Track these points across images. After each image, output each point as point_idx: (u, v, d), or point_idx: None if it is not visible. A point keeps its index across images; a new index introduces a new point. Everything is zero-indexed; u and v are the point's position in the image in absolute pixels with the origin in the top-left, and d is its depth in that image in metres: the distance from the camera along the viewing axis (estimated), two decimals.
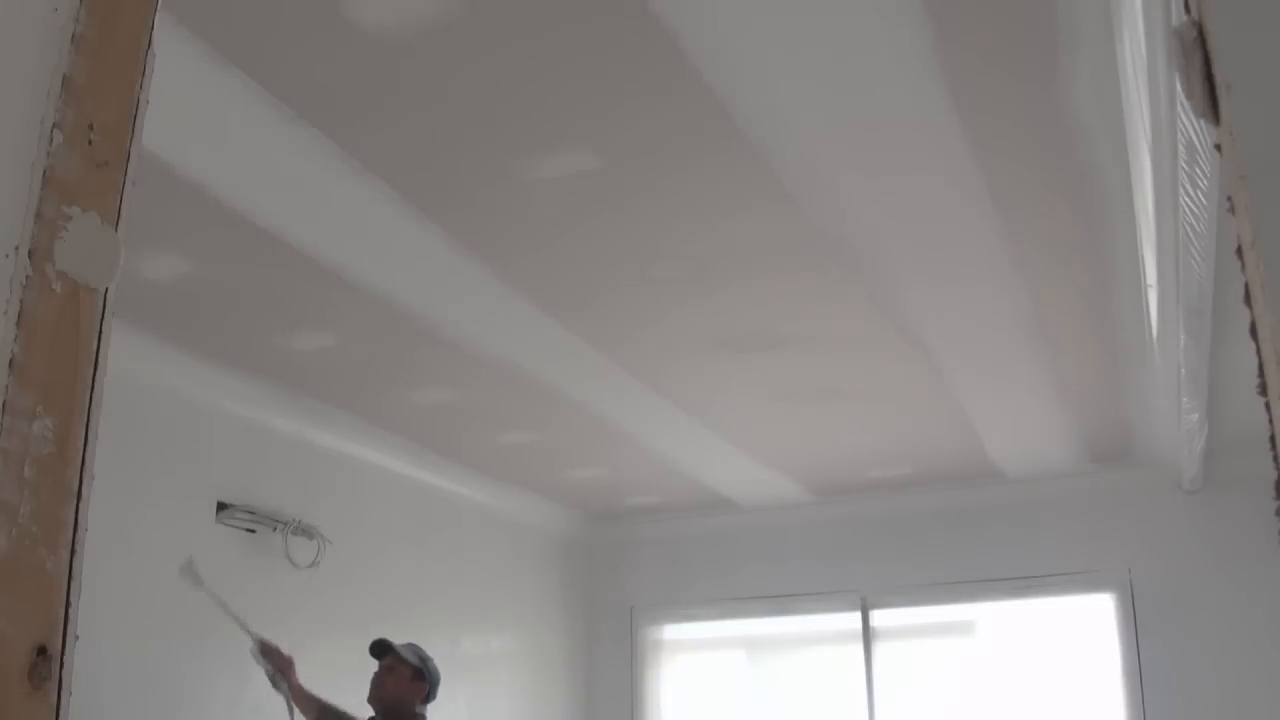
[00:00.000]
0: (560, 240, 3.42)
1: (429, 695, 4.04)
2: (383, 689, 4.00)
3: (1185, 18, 0.96)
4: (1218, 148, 0.92)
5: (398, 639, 4.10)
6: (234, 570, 4.53)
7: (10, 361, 0.80)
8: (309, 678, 4.88)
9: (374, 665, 4.16)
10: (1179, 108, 2.13)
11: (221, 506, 4.51)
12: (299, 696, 4.01)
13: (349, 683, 5.10)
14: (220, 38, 2.45)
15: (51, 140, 0.86)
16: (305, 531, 4.83)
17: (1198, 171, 2.29)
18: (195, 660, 4.28)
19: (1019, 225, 3.37)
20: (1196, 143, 2.15)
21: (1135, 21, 2.22)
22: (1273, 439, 0.89)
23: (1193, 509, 5.91)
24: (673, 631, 7.09)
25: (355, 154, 2.92)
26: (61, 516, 0.83)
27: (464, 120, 2.78)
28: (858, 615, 6.54)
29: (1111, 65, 2.58)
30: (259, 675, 4.66)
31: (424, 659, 4.05)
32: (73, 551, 0.83)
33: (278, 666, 3.97)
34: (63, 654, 0.81)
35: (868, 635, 6.51)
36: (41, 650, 0.79)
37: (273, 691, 4.08)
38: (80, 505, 0.84)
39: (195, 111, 2.66)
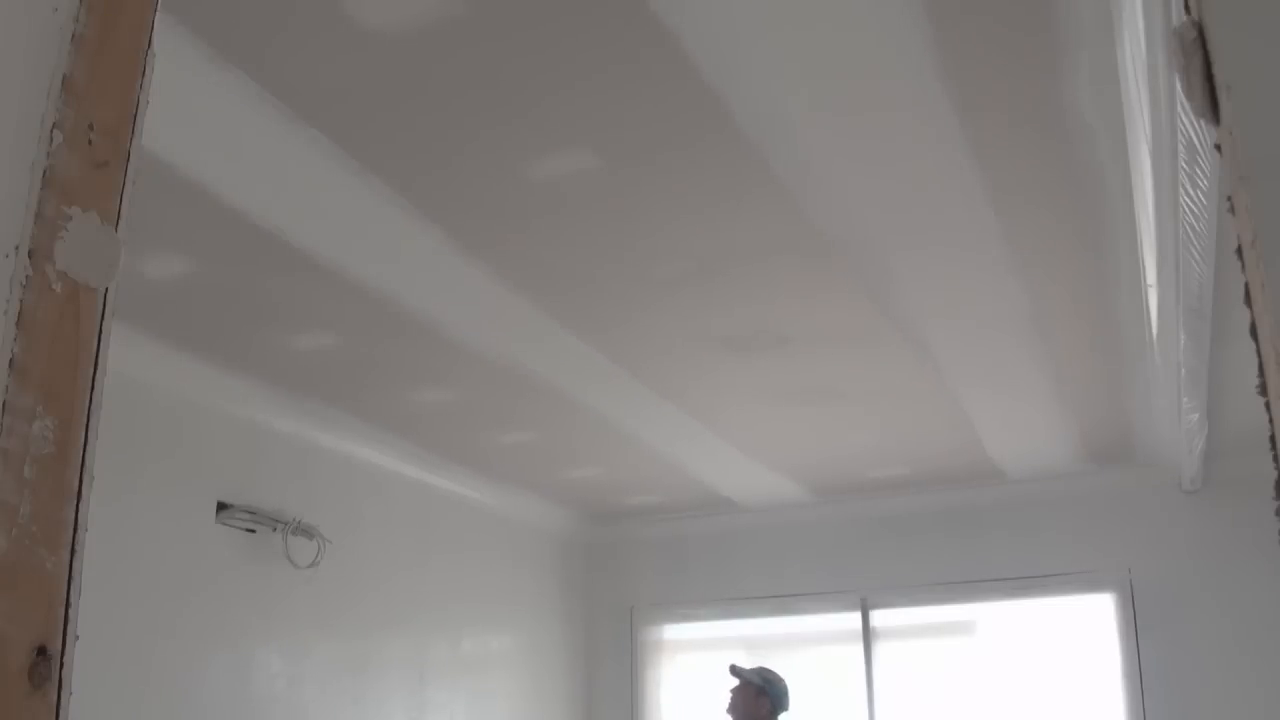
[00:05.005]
0: (560, 240, 3.42)
1: (775, 707, 4.77)
2: (733, 706, 4.80)
3: (1185, 18, 0.96)
4: (1218, 148, 0.92)
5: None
6: (234, 570, 4.53)
7: (10, 361, 0.80)
8: (310, 678, 4.89)
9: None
10: (1179, 108, 2.13)
11: (221, 506, 4.51)
12: None
13: (350, 683, 5.11)
14: (220, 38, 2.45)
15: (51, 140, 0.86)
16: (305, 531, 4.83)
17: (1198, 171, 2.29)
18: (195, 660, 4.28)
19: (1019, 225, 3.37)
20: (1196, 143, 2.15)
21: (1135, 21, 2.22)
22: (1273, 439, 0.89)
23: (1193, 509, 5.91)
24: (673, 631, 7.09)
25: (356, 154, 2.92)
26: (61, 516, 0.83)
27: (464, 120, 2.78)
28: (858, 615, 6.54)
29: (1111, 65, 2.58)
30: (258, 674, 4.68)
31: (766, 679, 4.81)
32: (73, 551, 0.83)
33: None
34: (63, 654, 0.81)
35: (868, 635, 6.51)
36: (41, 650, 0.79)
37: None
38: (80, 505, 0.84)
39: (195, 111, 2.66)
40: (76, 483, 0.84)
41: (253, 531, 4.64)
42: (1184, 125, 2.16)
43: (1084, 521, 6.12)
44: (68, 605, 0.82)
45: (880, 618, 6.54)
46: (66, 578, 0.82)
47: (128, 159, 0.92)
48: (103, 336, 0.89)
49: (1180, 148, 2.26)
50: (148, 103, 0.96)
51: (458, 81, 2.62)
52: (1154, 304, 3.61)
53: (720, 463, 5.88)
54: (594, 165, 2.99)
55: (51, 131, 0.86)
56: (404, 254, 3.48)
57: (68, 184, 0.86)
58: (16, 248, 0.82)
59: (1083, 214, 3.30)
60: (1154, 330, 3.89)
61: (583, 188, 3.11)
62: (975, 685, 6.23)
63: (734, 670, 4.91)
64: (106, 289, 0.89)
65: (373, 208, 3.17)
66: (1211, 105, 0.91)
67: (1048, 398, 4.92)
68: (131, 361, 3.96)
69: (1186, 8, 0.98)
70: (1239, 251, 0.90)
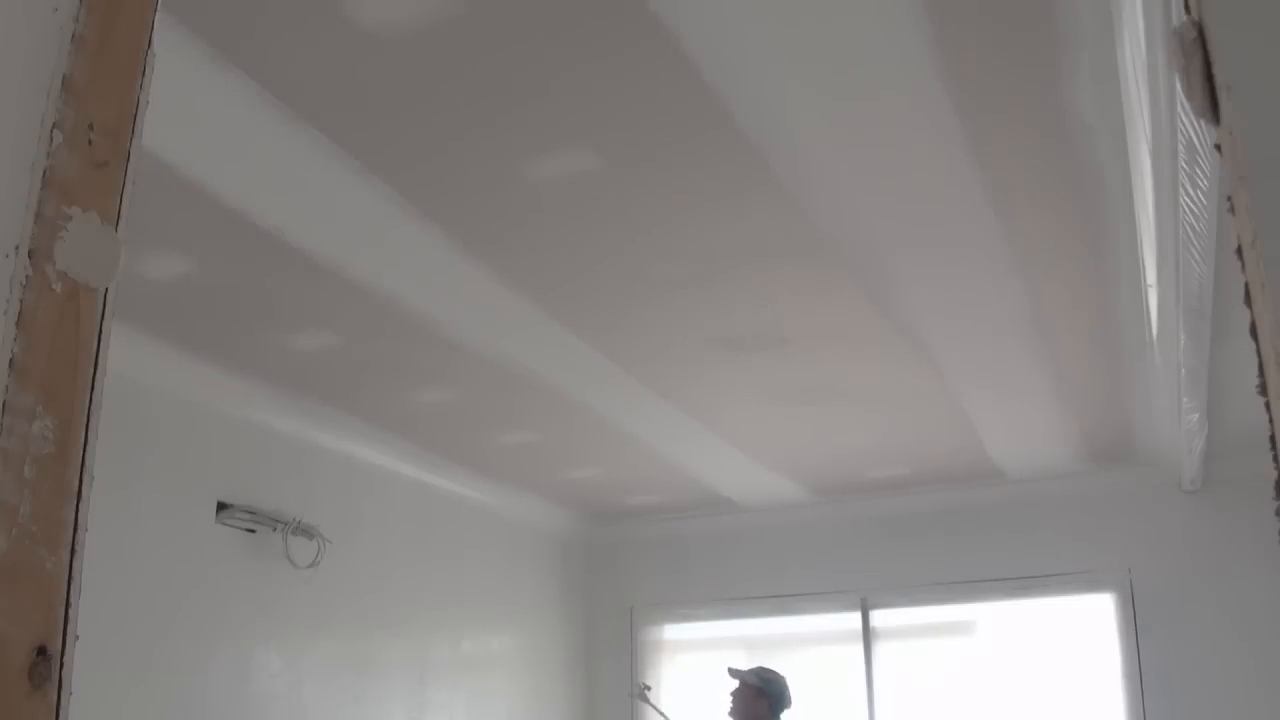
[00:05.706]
0: (560, 240, 3.42)
1: (775, 705, 4.80)
2: (734, 709, 4.85)
3: (1185, 18, 0.96)
4: (1218, 148, 0.92)
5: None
6: (234, 570, 4.53)
7: (10, 361, 0.80)
8: (310, 677, 4.88)
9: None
10: (1179, 108, 2.13)
11: (221, 506, 4.50)
12: None
13: (350, 683, 5.11)
14: (220, 38, 2.45)
15: (51, 140, 0.86)
16: (305, 531, 4.83)
17: (1198, 171, 2.29)
18: (195, 660, 4.28)
19: (1019, 225, 3.37)
20: (1196, 143, 2.15)
21: (1135, 21, 2.22)
22: (1273, 439, 0.89)
23: (1193, 509, 5.91)
24: (673, 631, 7.09)
25: (355, 154, 2.92)
26: (61, 516, 0.83)
27: (464, 120, 2.78)
28: (858, 615, 6.54)
29: (1111, 65, 2.58)
30: (258, 674, 4.66)
31: (764, 678, 4.85)
32: (73, 551, 0.83)
33: None
34: (63, 654, 0.81)
35: (868, 635, 6.51)
36: (41, 650, 0.79)
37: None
38: (80, 505, 0.84)
39: (195, 111, 2.66)
40: (76, 483, 0.84)
41: (253, 531, 4.64)
42: (1184, 125, 2.16)
43: (1084, 521, 6.12)
44: (68, 605, 0.82)
45: (880, 618, 6.54)
46: (66, 578, 0.82)
47: (128, 159, 0.92)
48: (103, 336, 0.88)
49: (1180, 148, 2.26)
50: (148, 103, 0.96)
51: (457, 81, 2.62)
52: (1154, 304, 3.61)
53: (720, 463, 5.88)
54: (594, 165, 2.99)
55: (51, 131, 0.86)
56: (403, 253, 3.48)
57: (68, 184, 0.86)
58: (16, 248, 0.82)
59: (1083, 214, 3.30)
60: (1154, 330, 3.88)
61: (583, 187, 3.11)
62: (975, 685, 6.23)
63: (732, 672, 4.93)
64: (106, 289, 0.89)
65: (372, 207, 3.17)
66: (1211, 105, 0.91)
67: (1048, 398, 4.92)
68: (131, 361, 3.96)
69: (1186, 8, 0.98)
70: (1239, 251, 0.90)
